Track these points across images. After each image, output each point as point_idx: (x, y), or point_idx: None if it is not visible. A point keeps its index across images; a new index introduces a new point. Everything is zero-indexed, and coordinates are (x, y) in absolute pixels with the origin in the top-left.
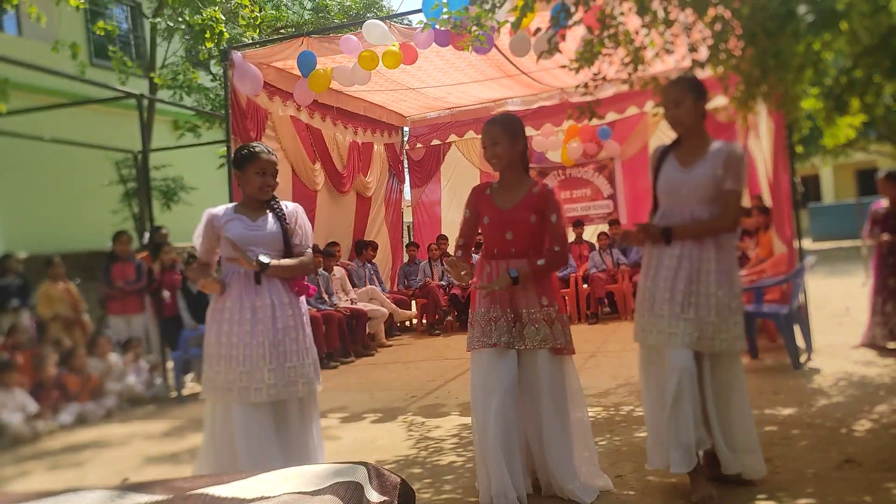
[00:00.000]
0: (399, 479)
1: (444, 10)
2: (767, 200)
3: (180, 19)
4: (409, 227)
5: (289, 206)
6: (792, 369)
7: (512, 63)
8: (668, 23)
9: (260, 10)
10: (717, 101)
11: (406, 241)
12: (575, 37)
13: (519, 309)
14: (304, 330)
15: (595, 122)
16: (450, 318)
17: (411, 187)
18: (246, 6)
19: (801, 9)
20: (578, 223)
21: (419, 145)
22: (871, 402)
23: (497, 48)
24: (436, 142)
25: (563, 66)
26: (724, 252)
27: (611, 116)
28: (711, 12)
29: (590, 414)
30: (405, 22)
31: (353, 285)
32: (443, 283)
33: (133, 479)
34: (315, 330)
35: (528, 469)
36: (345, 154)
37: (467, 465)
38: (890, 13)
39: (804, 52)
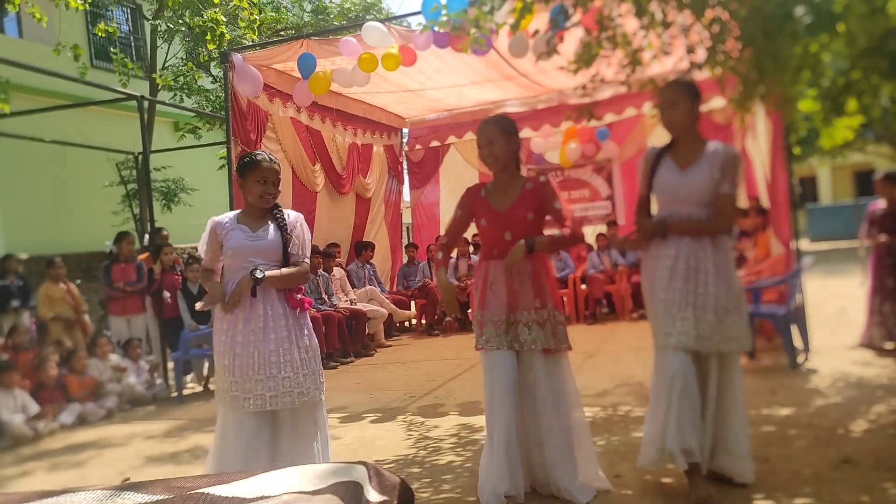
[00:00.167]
0: (398, 479)
1: (443, 12)
2: (765, 201)
3: (180, 21)
4: (408, 228)
5: (290, 216)
6: (789, 370)
7: (510, 65)
8: (666, 24)
9: (260, 13)
10: (715, 103)
11: (405, 242)
12: (573, 38)
13: (514, 311)
14: (301, 342)
15: (593, 123)
16: (449, 318)
17: (410, 188)
18: (245, 8)
19: (799, 10)
20: None
21: (418, 147)
22: (869, 403)
23: (496, 50)
24: (435, 143)
25: (562, 68)
26: (722, 252)
27: (609, 118)
28: (709, 14)
29: (588, 414)
30: (404, 24)
31: (353, 286)
32: None
33: (133, 478)
34: (315, 330)
35: (526, 469)
36: (344, 155)
37: (466, 464)
38: (887, 15)
39: (802, 53)
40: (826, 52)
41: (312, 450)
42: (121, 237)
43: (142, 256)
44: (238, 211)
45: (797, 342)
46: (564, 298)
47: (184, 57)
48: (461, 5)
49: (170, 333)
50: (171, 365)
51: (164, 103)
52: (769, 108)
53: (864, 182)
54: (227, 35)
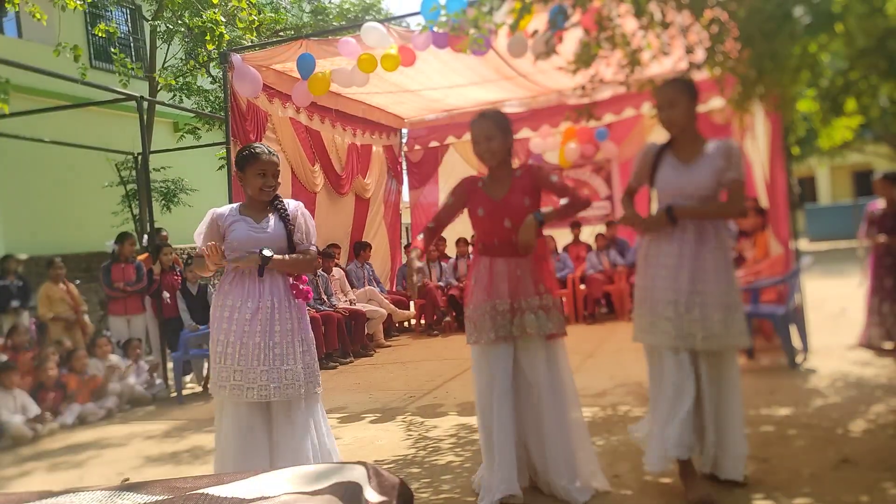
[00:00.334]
0: (398, 479)
1: (442, 12)
2: (764, 201)
3: (180, 22)
4: (407, 228)
5: (290, 205)
6: (788, 369)
7: (509, 65)
8: (665, 25)
9: (259, 13)
10: (714, 103)
11: (404, 242)
12: (572, 39)
13: (518, 299)
14: (302, 334)
15: (592, 123)
16: (448, 318)
17: (410, 189)
18: (244, 9)
19: (798, 11)
20: (576, 224)
21: (417, 147)
22: (868, 403)
23: (495, 50)
24: (434, 143)
25: (561, 68)
26: (723, 250)
27: (608, 118)
28: (708, 14)
29: (587, 414)
30: (403, 24)
31: (352, 286)
32: (441, 283)
33: (133, 479)
34: (314, 331)
35: (524, 468)
36: (343, 156)
37: (465, 464)
38: (886, 15)
39: (800, 54)
40: (825, 53)
41: (307, 443)
42: (122, 237)
43: (141, 257)
44: (238, 203)
45: (796, 342)
46: (563, 299)
47: (183, 57)
48: (460, 6)
49: (169, 334)
50: (170, 365)
51: (163, 104)
52: (768, 108)
53: (863, 182)
54: (226, 35)
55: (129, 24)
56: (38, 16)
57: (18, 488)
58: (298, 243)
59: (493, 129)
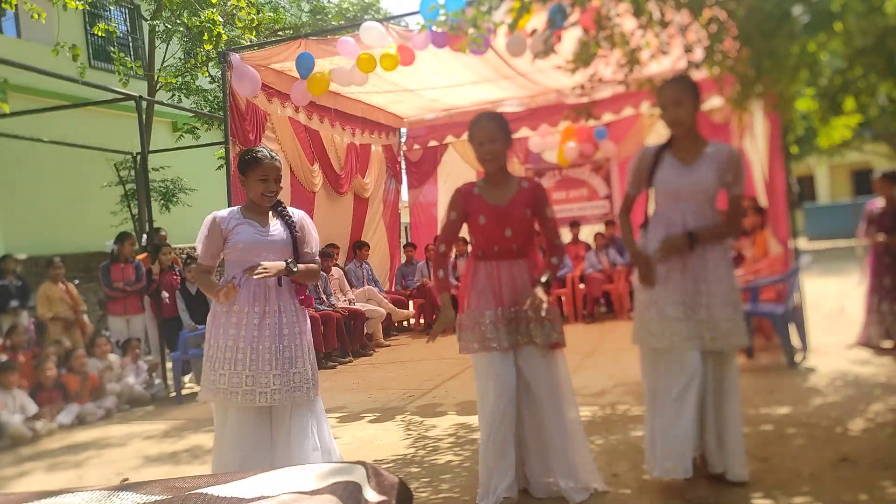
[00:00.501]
0: (397, 479)
1: (441, 11)
2: (763, 201)
3: (178, 21)
4: (406, 227)
5: (296, 214)
6: (787, 368)
7: (508, 64)
8: (664, 24)
9: (257, 13)
10: (713, 102)
11: (403, 241)
12: (571, 38)
13: (519, 307)
14: (306, 337)
15: (591, 122)
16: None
17: (409, 188)
18: (243, 8)
19: (797, 10)
20: (575, 223)
21: (416, 146)
22: (867, 402)
23: (494, 49)
24: (433, 143)
25: (560, 67)
26: (724, 250)
27: (607, 117)
28: (707, 13)
29: (587, 413)
30: (402, 24)
31: (351, 286)
32: None
33: (132, 478)
34: (313, 330)
35: (520, 468)
36: (343, 155)
37: (464, 464)
38: (884, 14)
39: (799, 52)
40: (824, 52)
41: (308, 444)
42: (122, 237)
43: (140, 257)
44: (239, 206)
45: (795, 341)
46: (563, 298)
47: (182, 57)
48: (459, 5)
49: (168, 333)
50: (169, 365)
51: (162, 103)
52: (767, 107)
53: (862, 181)
54: (224, 35)
55: (128, 24)
56: (35, 16)
57: (17, 488)
58: (308, 253)
59: (496, 131)
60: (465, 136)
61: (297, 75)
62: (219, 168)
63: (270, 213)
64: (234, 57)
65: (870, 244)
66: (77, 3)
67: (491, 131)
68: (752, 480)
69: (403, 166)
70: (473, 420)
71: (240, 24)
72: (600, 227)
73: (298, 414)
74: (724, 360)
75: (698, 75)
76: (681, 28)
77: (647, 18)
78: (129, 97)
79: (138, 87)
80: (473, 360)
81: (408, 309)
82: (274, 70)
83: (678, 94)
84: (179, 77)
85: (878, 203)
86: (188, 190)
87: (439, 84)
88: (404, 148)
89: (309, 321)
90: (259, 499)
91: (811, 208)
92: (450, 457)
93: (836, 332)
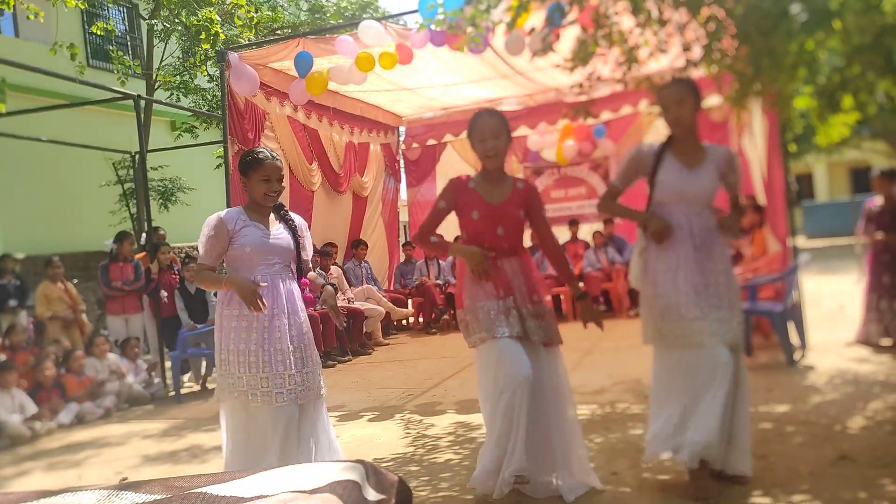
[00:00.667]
0: (396, 478)
1: (440, 10)
2: (761, 199)
3: (177, 20)
4: (405, 226)
5: (297, 220)
6: (786, 366)
7: (507, 63)
8: (662, 22)
9: (256, 11)
10: (711, 101)
11: (402, 240)
12: (570, 36)
13: (518, 306)
14: (311, 338)
15: (590, 121)
16: (446, 316)
17: (407, 187)
18: (242, 6)
19: (795, 8)
20: (574, 222)
21: (415, 145)
22: (866, 399)
23: (492, 48)
24: (431, 141)
25: (558, 66)
26: (726, 248)
27: (605, 115)
28: (705, 12)
29: (586, 412)
30: (401, 23)
31: (350, 284)
32: (439, 281)
33: (131, 478)
34: (313, 329)
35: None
36: (341, 154)
37: (464, 462)
38: (882, 12)
39: (797, 50)
40: (822, 50)
41: (312, 443)
42: (122, 237)
43: (139, 256)
44: (239, 207)
45: (794, 339)
46: (562, 296)
47: (180, 56)
48: (458, 3)
49: (167, 333)
50: (168, 364)
51: (160, 102)
52: (765, 105)
53: (861, 179)
54: (222, 34)
55: (126, 23)
56: (31, 16)
57: (17, 488)
58: (306, 261)
59: (498, 127)
60: (464, 135)
61: (296, 74)
62: (217, 167)
63: (272, 216)
64: (233, 56)
65: (868, 242)
66: (75, 1)
67: (494, 128)
68: (751, 478)
69: (402, 165)
70: (472, 418)
71: (239, 23)
72: (599, 226)
73: (316, 411)
74: (735, 355)
75: (696, 74)
76: (679, 26)
77: (645, 17)
78: (127, 96)
79: (137, 87)
80: (480, 353)
81: (407, 308)
82: (272, 69)
83: (680, 95)
84: (178, 76)
85: (876, 201)
86: (187, 189)
87: (438, 83)
88: (403, 146)
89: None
90: (258, 498)
91: (810, 206)
92: (449, 455)
93: (835, 330)
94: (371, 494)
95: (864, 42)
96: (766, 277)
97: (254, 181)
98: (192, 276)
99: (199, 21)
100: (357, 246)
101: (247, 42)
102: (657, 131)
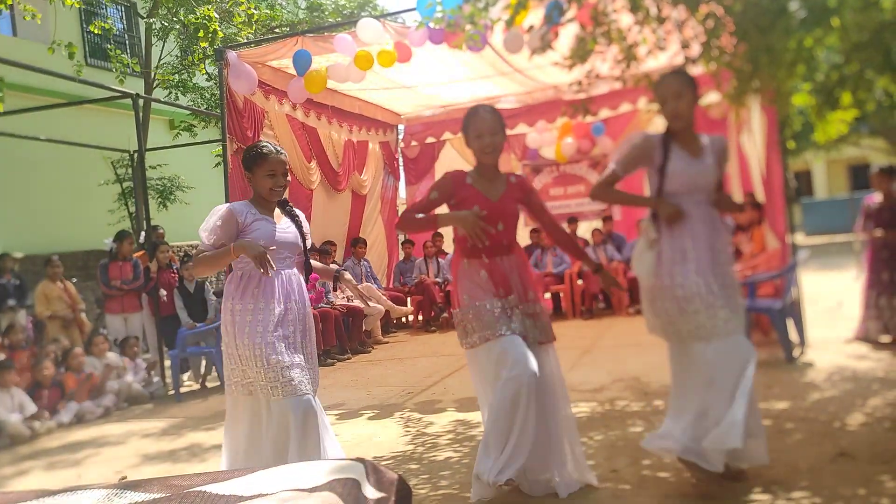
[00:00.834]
0: (396, 476)
1: (438, 8)
2: (760, 196)
3: (175, 19)
4: None
5: (300, 214)
6: (785, 364)
7: (505, 61)
8: (661, 20)
9: (255, 9)
10: (710, 98)
11: (401, 238)
12: (568, 34)
13: (515, 305)
14: (314, 332)
15: (588, 119)
16: (445, 314)
17: (406, 185)
18: (241, 4)
19: (793, 5)
20: (573, 219)
21: (414, 143)
22: (865, 396)
23: (491, 46)
24: (430, 139)
25: (557, 64)
26: (729, 239)
27: (604, 113)
28: (703, 9)
29: (585, 409)
30: (399, 21)
31: None
32: (438, 279)
33: (131, 477)
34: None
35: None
36: (340, 152)
37: (463, 460)
38: (881, 9)
39: (796, 48)
40: (820, 47)
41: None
42: (121, 236)
43: (138, 254)
44: (246, 201)
45: (793, 336)
46: (561, 294)
47: (178, 54)
48: (456, 1)
49: (166, 331)
50: (168, 363)
51: (159, 101)
52: (764, 102)
53: (859, 176)
54: (220, 32)
55: (125, 22)
56: (28, 17)
57: (16, 487)
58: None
59: (496, 123)
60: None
61: (295, 72)
62: (216, 165)
63: (276, 210)
64: (231, 54)
65: (867, 239)
66: (73, 0)
67: (492, 124)
68: (750, 475)
69: (401, 163)
70: (472, 416)
71: (237, 20)
72: (598, 224)
73: (320, 407)
74: None
75: (695, 71)
76: (677, 24)
77: (643, 14)
78: (125, 95)
79: (135, 85)
80: (479, 353)
81: (406, 306)
82: (271, 67)
83: (679, 87)
84: (176, 74)
85: (875, 198)
86: (185, 187)
87: (436, 81)
88: (402, 144)
89: None
90: (258, 496)
91: (808, 203)
92: (449, 453)
93: (834, 326)
94: (371, 492)
95: (862, 39)
96: (764, 274)
97: (259, 176)
98: (191, 272)
99: (198, 19)
100: (356, 244)
101: (245, 40)
102: (656, 129)
